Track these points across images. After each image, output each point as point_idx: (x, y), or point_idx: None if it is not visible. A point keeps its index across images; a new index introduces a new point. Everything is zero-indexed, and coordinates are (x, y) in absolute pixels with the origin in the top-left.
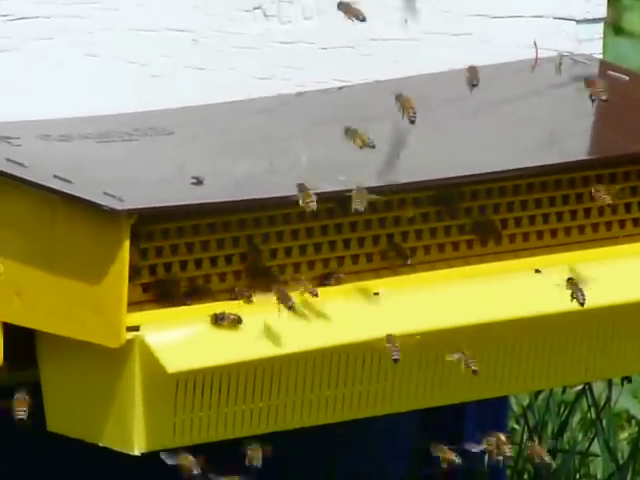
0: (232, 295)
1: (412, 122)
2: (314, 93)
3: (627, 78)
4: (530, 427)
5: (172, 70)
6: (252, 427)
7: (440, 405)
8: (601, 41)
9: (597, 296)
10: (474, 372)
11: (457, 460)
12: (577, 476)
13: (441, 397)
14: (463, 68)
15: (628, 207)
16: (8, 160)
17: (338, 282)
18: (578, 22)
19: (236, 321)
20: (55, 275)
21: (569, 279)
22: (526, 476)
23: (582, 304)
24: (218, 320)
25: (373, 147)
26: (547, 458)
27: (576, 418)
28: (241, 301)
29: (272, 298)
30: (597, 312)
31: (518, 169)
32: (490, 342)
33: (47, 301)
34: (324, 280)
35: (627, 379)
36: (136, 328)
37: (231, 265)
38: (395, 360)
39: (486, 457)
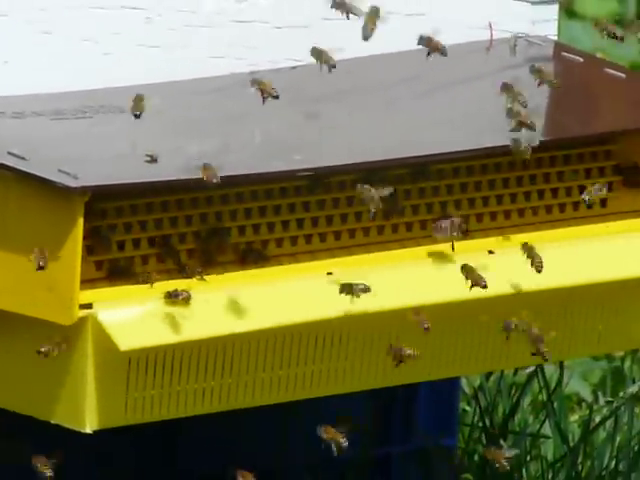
0: (184, 274)
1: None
2: (267, 72)
3: (581, 60)
4: (481, 408)
5: (125, 48)
6: (204, 406)
7: (392, 385)
8: (556, 23)
9: (549, 276)
10: (426, 329)
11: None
12: (528, 458)
13: (393, 377)
14: (416, 48)
15: (582, 189)
16: None
17: (280, 262)
18: (533, 4)
19: (188, 298)
20: (7, 252)
21: (524, 244)
22: (476, 457)
23: (539, 271)
24: (172, 297)
25: (277, 97)
26: (505, 463)
27: (527, 400)
28: (194, 279)
29: (221, 276)
30: (552, 293)
31: (470, 150)
32: (443, 322)
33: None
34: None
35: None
36: (89, 306)
37: (184, 244)
38: (426, 329)
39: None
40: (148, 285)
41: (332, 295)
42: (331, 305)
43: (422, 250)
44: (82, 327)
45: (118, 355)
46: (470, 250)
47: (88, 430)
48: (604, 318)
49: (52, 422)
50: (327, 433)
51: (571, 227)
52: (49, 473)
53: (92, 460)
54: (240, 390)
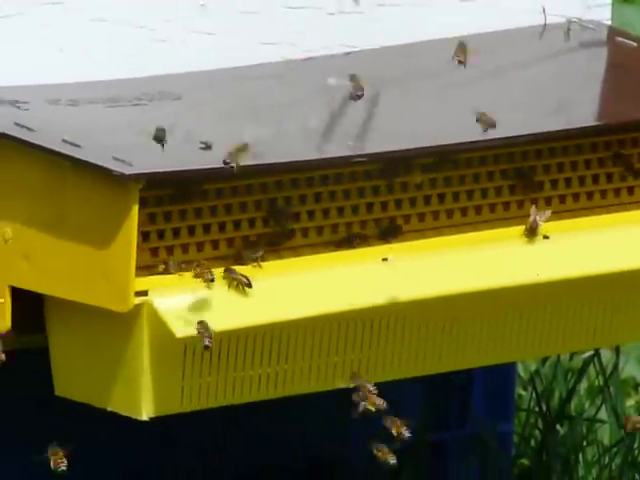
0: (240, 260)
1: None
2: (321, 58)
3: (635, 44)
4: (538, 394)
5: (180, 35)
6: (260, 392)
7: (449, 371)
8: (610, 7)
9: (603, 263)
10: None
11: None
12: (584, 443)
13: (449, 363)
14: (470, 33)
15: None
16: (17, 124)
17: (351, 245)
18: None
19: (245, 284)
20: (64, 239)
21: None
22: (533, 442)
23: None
24: (230, 273)
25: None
26: None
27: (583, 385)
28: (249, 266)
29: (280, 263)
30: (604, 279)
31: (526, 135)
32: (497, 308)
33: (55, 265)
34: (338, 244)
35: None
36: (144, 293)
37: (239, 230)
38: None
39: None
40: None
41: (387, 281)
42: (384, 291)
43: (478, 235)
44: (137, 314)
45: (174, 342)
46: (522, 235)
47: (145, 417)
48: None
49: (108, 409)
50: (390, 422)
51: (617, 213)
52: (64, 467)
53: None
54: (296, 377)
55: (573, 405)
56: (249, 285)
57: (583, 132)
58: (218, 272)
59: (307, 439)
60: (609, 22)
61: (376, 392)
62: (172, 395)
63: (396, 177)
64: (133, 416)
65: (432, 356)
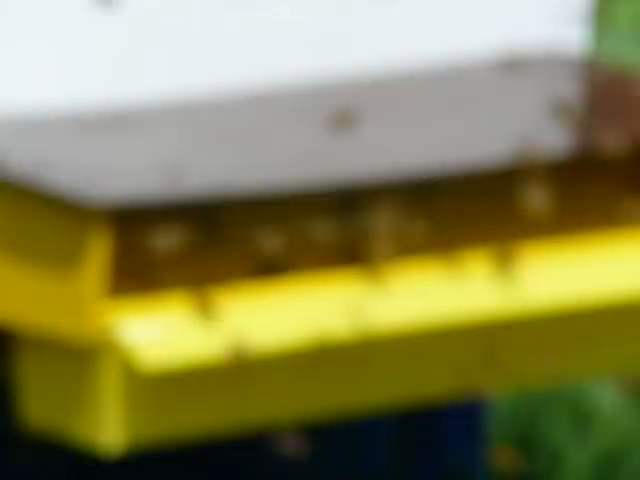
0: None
1: None
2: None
3: (609, 77)
4: (510, 425)
5: (152, 59)
6: (235, 426)
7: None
8: (588, 36)
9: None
10: None
11: None
12: (555, 472)
13: (420, 393)
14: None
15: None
16: None
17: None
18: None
19: (212, 311)
20: (30, 269)
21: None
22: None
23: None
24: (197, 299)
25: None
26: None
27: (555, 416)
28: (222, 290)
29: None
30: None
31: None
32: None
33: (21, 297)
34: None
35: None
36: (114, 324)
37: (206, 252)
38: None
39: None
40: (175, 299)
41: (359, 307)
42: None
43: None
44: (104, 350)
45: (141, 377)
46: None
47: (113, 451)
48: None
49: (75, 444)
50: None
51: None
52: None
53: None
54: (266, 408)
55: (546, 435)
56: (215, 316)
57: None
58: (188, 301)
59: (279, 469)
60: (584, 52)
61: None
62: (141, 429)
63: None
64: (101, 449)
65: (401, 387)
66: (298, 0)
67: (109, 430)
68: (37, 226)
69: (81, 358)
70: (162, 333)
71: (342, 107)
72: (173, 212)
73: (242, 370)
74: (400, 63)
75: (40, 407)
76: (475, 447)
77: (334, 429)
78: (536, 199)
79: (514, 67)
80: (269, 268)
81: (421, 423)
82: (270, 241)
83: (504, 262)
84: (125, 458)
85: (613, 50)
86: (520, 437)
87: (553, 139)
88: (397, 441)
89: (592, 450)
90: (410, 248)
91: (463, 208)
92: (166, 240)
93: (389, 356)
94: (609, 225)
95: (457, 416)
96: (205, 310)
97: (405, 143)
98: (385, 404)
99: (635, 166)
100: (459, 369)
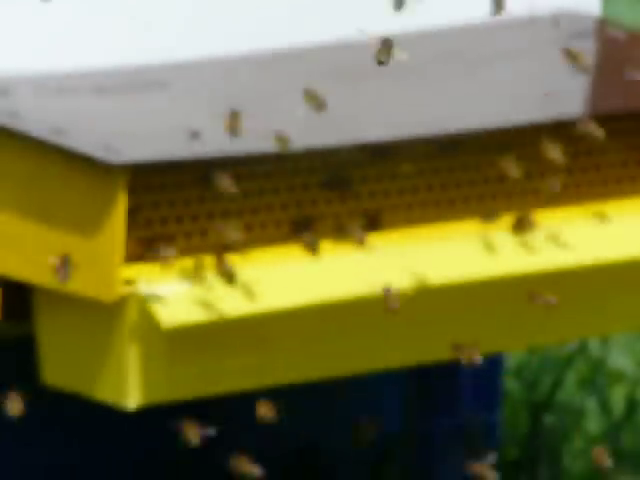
0: (230, 249)
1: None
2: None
3: (625, 34)
4: (526, 384)
5: (168, 22)
6: (247, 382)
7: (437, 360)
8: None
9: (592, 252)
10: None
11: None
12: (571, 433)
13: (438, 352)
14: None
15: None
16: (4, 112)
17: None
18: None
19: (231, 275)
20: (51, 228)
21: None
22: (520, 433)
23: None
24: (218, 262)
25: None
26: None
27: (571, 376)
28: (238, 255)
29: (269, 252)
30: (593, 268)
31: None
32: (487, 298)
33: (42, 255)
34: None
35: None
36: (131, 282)
37: (227, 219)
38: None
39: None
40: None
41: (373, 270)
42: (370, 281)
43: (464, 226)
44: (124, 304)
45: (160, 332)
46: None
47: (132, 407)
48: None
49: (95, 399)
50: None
51: (619, 201)
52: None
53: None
54: (281, 366)
55: (560, 395)
56: (234, 276)
57: (570, 121)
58: (206, 261)
59: (293, 429)
60: (598, 13)
61: None
62: (159, 384)
63: (384, 165)
64: (120, 405)
65: (420, 345)
66: None
67: (128, 383)
68: (57, 185)
69: (102, 313)
70: (182, 288)
71: (361, 64)
72: (193, 173)
73: (261, 327)
74: (416, 23)
75: (60, 361)
76: (492, 406)
77: (348, 390)
78: (557, 154)
79: (534, 24)
80: (297, 227)
81: (438, 381)
82: (296, 204)
83: (525, 222)
84: (143, 411)
85: (613, 13)
86: (537, 395)
87: (575, 95)
88: (414, 400)
89: (608, 407)
90: (436, 205)
91: (486, 164)
92: (184, 200)
93: (413, 316)
94: (629, 185)
95: (474, 375)
96: (224, 268)
97: (426, 100)
98: (406, 362)
99: None
100: (484, 328)
